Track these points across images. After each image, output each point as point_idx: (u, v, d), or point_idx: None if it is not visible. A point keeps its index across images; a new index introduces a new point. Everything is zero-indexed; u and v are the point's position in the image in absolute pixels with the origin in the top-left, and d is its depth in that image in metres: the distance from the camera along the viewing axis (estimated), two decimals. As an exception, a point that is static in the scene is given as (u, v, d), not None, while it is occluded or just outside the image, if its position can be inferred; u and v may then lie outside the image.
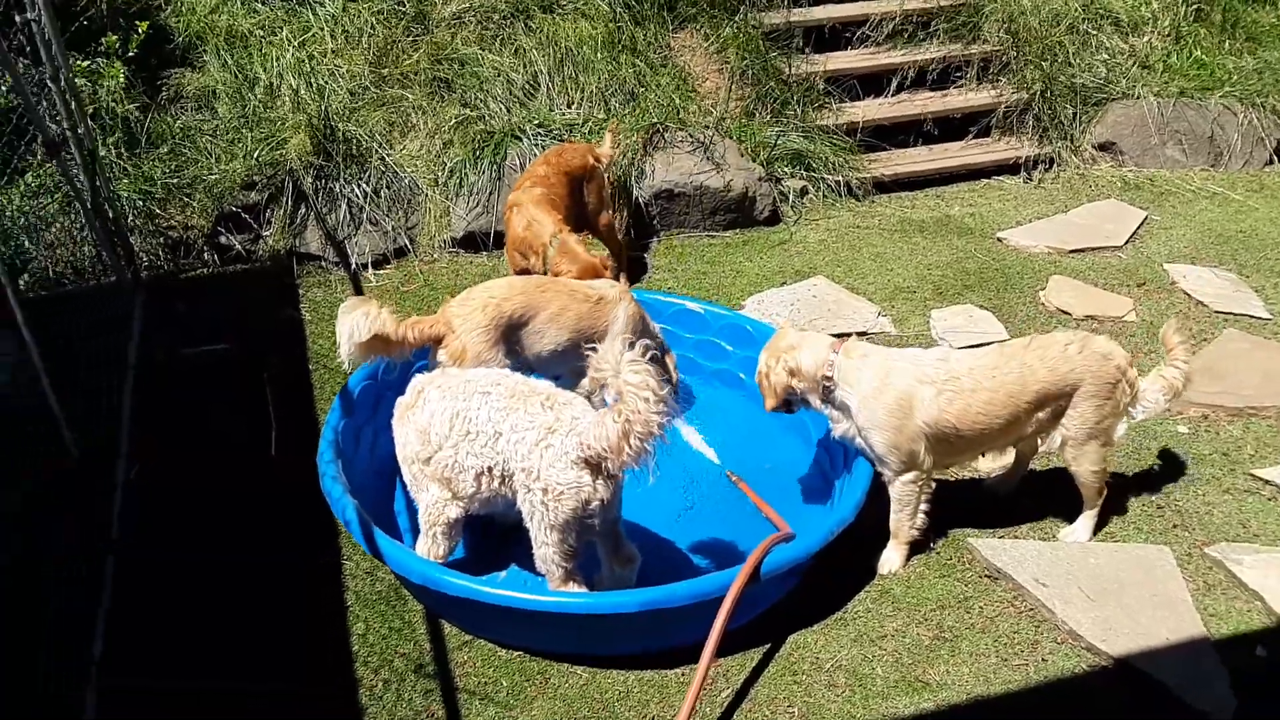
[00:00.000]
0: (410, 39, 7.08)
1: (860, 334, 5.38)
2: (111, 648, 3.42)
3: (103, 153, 5.77)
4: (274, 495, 4.12)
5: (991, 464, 4.27)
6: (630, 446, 3.12)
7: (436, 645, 3.53)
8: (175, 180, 5.95)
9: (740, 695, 3.36)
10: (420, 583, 3.40)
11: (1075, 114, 7.53)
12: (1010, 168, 7.49)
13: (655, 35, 7.42)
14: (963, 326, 5.41)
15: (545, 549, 3.38)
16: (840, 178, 7.04)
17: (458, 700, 3.33)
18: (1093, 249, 6.29)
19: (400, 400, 3.67)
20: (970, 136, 7.73)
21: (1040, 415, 3.70)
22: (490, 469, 3.40)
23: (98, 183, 5.16)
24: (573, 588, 3.44)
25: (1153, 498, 4.20)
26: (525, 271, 5.01)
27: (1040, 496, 4.17)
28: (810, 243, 6.48)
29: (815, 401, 3.78)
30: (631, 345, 3.20)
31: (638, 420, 3.09)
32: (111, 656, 3.39)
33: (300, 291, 5.81)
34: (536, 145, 6.38)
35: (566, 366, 4.24)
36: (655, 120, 6.57)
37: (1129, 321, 5.47)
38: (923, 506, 3.81)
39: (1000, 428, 3.65)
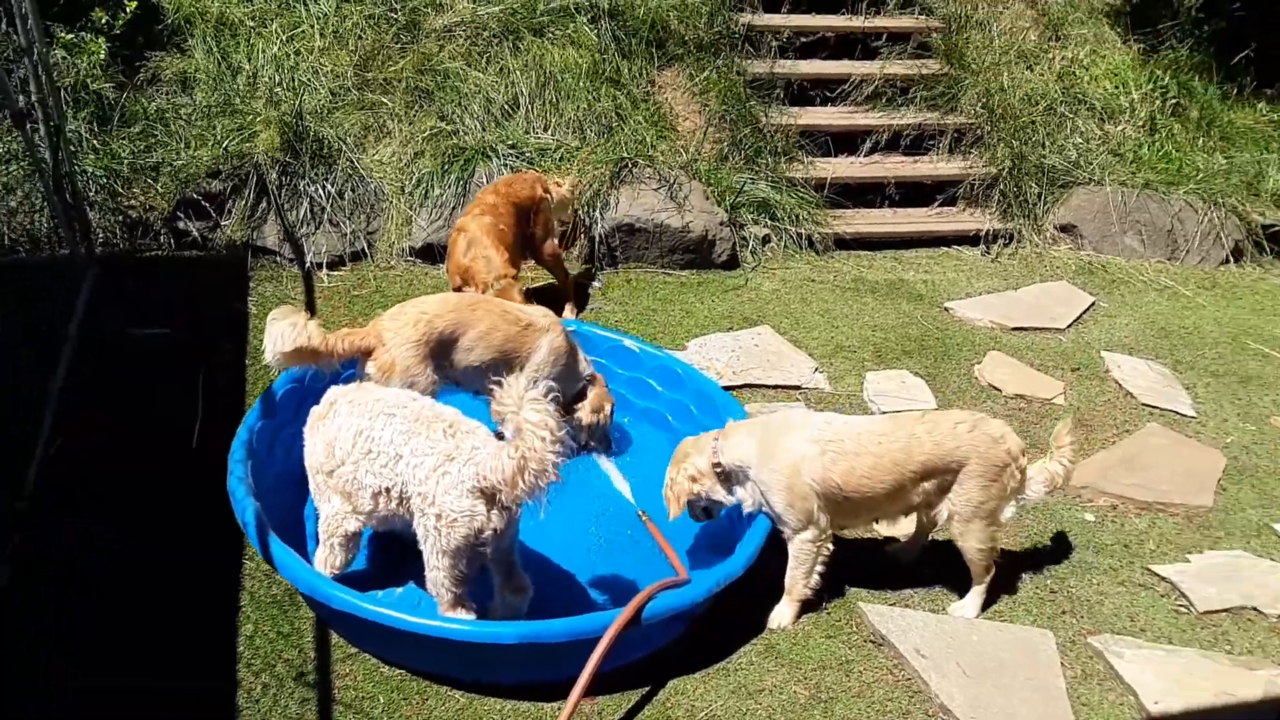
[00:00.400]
0: (399, 46, 7.19)
1: (794, 388, 5.49)
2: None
3: (73, 127, 5.84)
4: (187, 487, 4.14)
5: (889, 529, 4.36)
6: (524, 482, 3.19)
7: (321, 654, 3.57)
8: (142, 161, 6.00)
9: (611, 735, 3.42)
10: (306, 593, 3.46)
11: (1041, 193, 7.69)
12: (970, 239, 7.62)
13: (641, 70, 7.55)
14: (893, 391, 5.51)
15: (436, 573, 3.44)
16: (802, 230, 7.16)
17: (332, 711, 3.37)
18: (1035, 329, 6.41)
19: (314, 409, 3.72)
20: (936, 204, 7.88)
21: (926, 486, 3.80)
22: (388, 489, 3.46)
23: (60, 157, 5.22)
24: (461, 613, 3.49)
25: (1047, 581, 4.29)
26: (460, 290, 5.08)
27: (940, 567, 4.24)
28: (763, 291, 6.58)
29: (722, 494, 3.90)
30: (536, 383, 3.26)
31: (533, 458, 3.16)
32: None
33: (251, 285, 5.87)
34: (506, 165, 6.49)
35: (487, 382, 4.30)
36: (625, 155, 6.67)
37: (1056, 404, 5.59)
38: (818, 568, 3.89)
39: (886, 493, 3.76)
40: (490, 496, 3.29)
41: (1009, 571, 4.26)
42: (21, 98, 4.96)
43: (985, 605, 4.07)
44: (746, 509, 3.89)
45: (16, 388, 4.37)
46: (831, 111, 7.99)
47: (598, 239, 6.51)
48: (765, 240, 7.12)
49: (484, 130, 6.73)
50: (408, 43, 7.21)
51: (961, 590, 4.11)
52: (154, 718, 3.29)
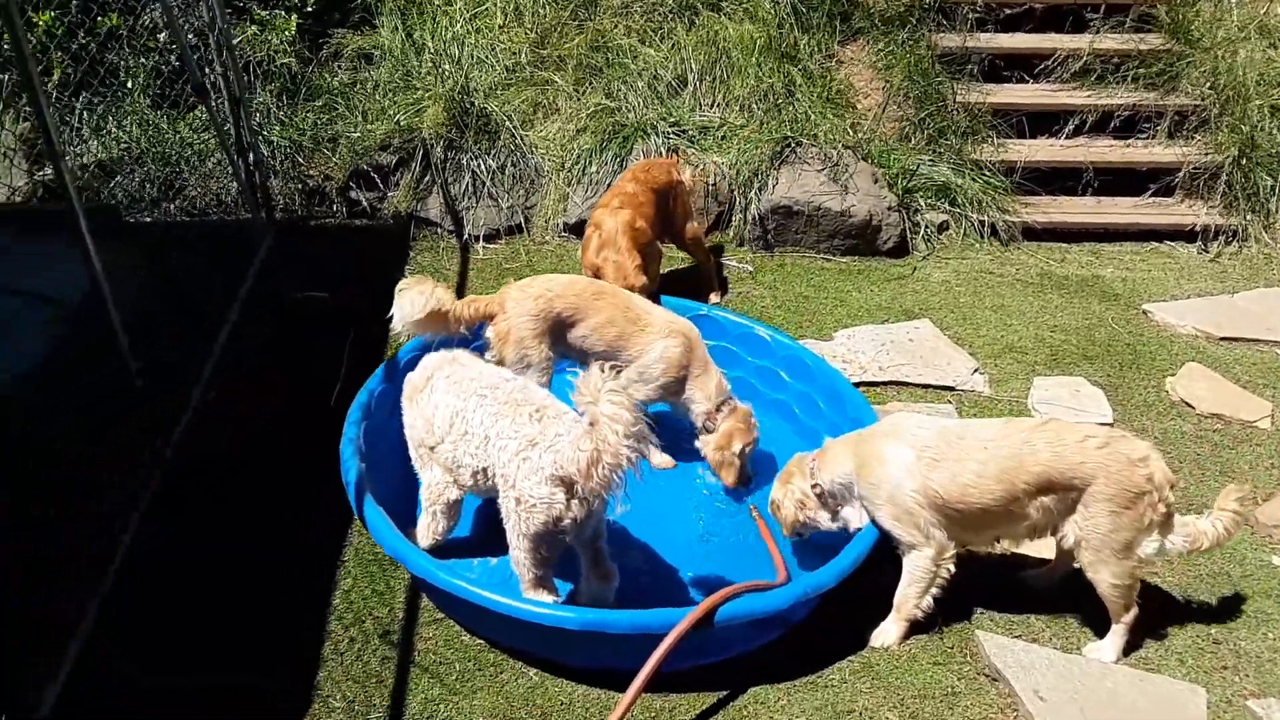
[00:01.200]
0: (576, 23, 7.20)
1: (946, 389, 5.08)
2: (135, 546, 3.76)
3: (262, 100, 6.23)
4: (318, 443, 4.27)
5: (1019, 549, 3.94)
6: (597, 475, 3.07)
7: (409, 616, 3.63)
8: (323, 133, 6.33)
9: (679, 736, 3.27)
10: (391, 555, 3.50)
11: (1276, 186, 6.75)
12: (1186, 234, 6.81)
13: (820, 44, 7.24)
14: (1063, 400, 4.99)
15: (517, 554, 3.39)
16: (985, 218, 6.63)
17: (409, 673, 3.42)
18: (1248, 340, 5.63)
19: (410, 378, 3.77)
20: (1149, 194, 7.08)
21: (1045, 501, 3.38)
22: (485, 469, 3.45)
23: (242, 126, 5.56)
24: (541, 595, 3.43)
25: (1211, 631, 3.74)
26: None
27: (1082, 599, 3.76)
28: (932, 282, 6.15)
29: (825, 519, 3.68)
30: (617, 373, 3.15)
31: (607, 451, 3.04)
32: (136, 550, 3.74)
33: (411, 255, 6.07)
34: (665, 143, 6.37)
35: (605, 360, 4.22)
36: (789, 134, 6.39)
37: (1260, 429, 4.88)
38: (934, 590, 3.56)
39: (996, 506, 3.38)
40: (570, 485, 3.20)
41: (1167, 615, 3.76)
42: (207, 73, 5.32)
43: (1128, 649, 3.60)
44: (854, 528, 3.62)
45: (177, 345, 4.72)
46: (1031, 89, 7.32)
47: (752, 221, 6.28)
48: (942, 227, 6.65)
49: (646, 107, 6.62)
50: (585, 19, 7.21)
51: (1102, 630, 3.65)
52: (246, 658, 3.44)
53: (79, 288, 3.85)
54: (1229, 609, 3.84)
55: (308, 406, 4.67)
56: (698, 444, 4.30)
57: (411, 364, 4.37)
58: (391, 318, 4.00)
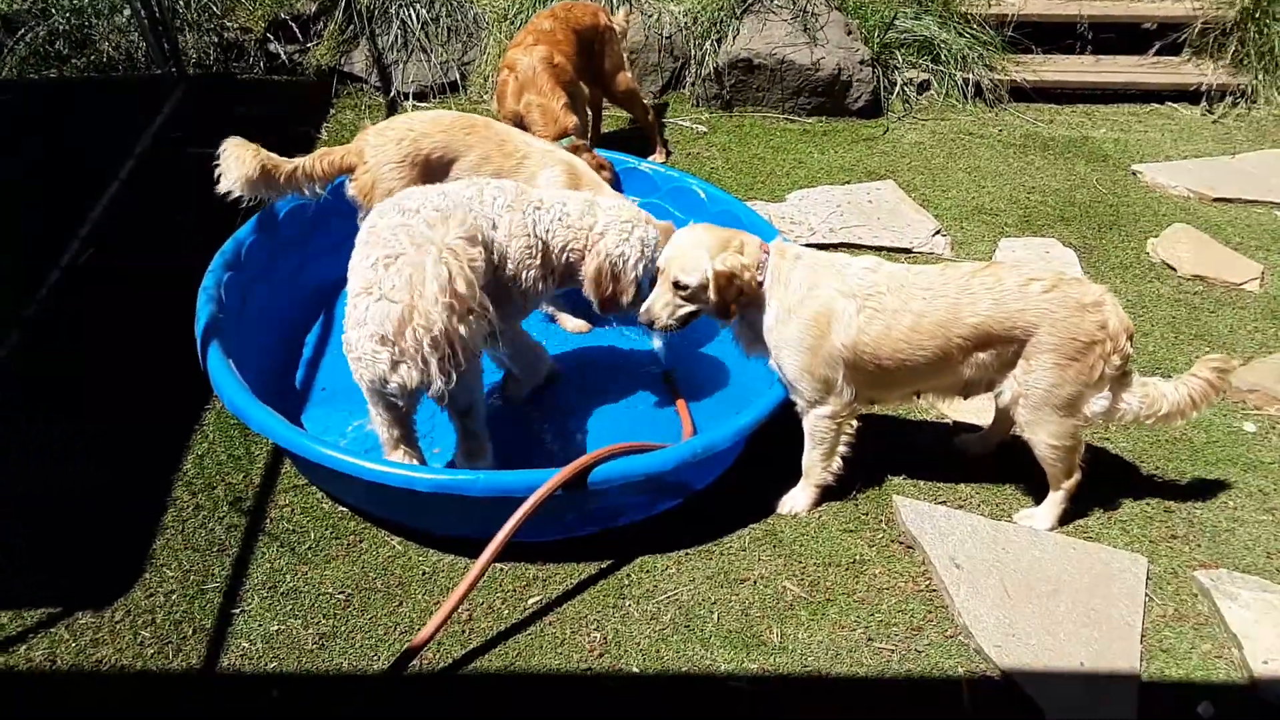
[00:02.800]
0: None
1: (902, 251, 4.63)
2: None
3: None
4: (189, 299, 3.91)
5: (953, 411, 3.55)
6: (409, 338, 2.69)
7: (265, 483, 3.29)
8: (243, -20, 5.84)
9: (550, 606, 2.93)
10: (230, 409, 3.14)
11: (1293, 41, 6.12)
12: (1190, 95, 6.23)
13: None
14: (1030, 262, 4.53)
15: (370, 410, 3.01)
16: (971, 76, 6.06)
17: (256, 542, 3.09)
18: (1244, 200, 5.12)
19: None
20: (1153, 51, 6.48)
21: (982, 357, 2.94)
22: None
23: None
24: (398, 456, 3.07)
25: (1165, 501, 3.33)
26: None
27: (1021, 466, 3.35)
28: (904, 144, 5.63)
29: (736, 329, 3.16)
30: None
31: (418, 311, 2.66)
32: None
33: (332, 112, 5.61)
34: (619, -10, 5.82)
35: None
36: (752, -21, 5.82)
37: (1247, 291, 4.41)
38: (841, 449, 3.17)
39: (927, 362, 2.94)
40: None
41: (1116, 482, 3.37)
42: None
43: (1065, 518, 3.21)
44: (749, 351, 3.15)
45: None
46: (1029, -64, 6.67)
47: (708, 78, 5.75)
48: (922, 87, 6.10)
49: (601, -49, 6.03)
50: None
51: (1043, 499, 3.25)
52: (75, 524, 3.13)
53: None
54: (1187, 476, 3.44)
55: (193, 263, 4.28)
56: None
57: (294, 215, 4.02)
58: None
